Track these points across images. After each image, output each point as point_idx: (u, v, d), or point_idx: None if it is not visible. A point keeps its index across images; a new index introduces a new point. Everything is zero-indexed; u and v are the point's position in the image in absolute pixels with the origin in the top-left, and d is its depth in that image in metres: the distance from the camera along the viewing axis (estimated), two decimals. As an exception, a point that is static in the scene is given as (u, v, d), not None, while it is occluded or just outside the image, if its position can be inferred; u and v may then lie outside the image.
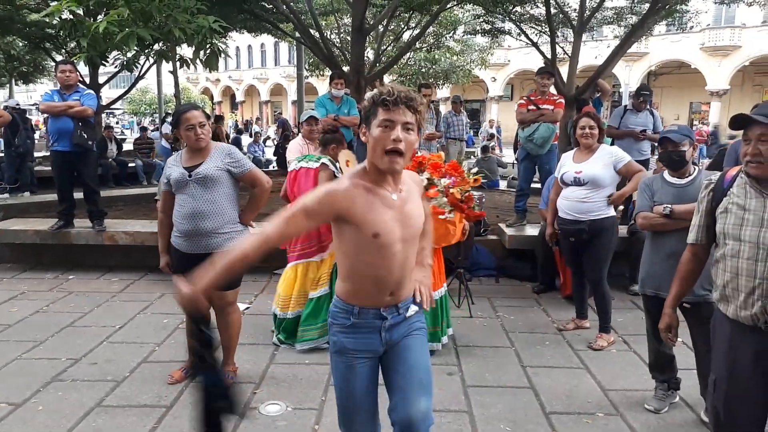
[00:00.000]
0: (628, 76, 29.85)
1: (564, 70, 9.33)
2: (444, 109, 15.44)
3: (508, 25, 11.94)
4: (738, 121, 2.11)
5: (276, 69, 44.91)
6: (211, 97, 48.22)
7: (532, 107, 6.28)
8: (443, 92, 29.22)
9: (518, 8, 10.38)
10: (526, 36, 10.90)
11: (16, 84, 22.96)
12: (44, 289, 5.64)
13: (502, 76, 36.56)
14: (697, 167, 3.34)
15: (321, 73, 18.45)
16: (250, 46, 45.73)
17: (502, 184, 11.38)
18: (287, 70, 40.95)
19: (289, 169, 4.55)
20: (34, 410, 3.36)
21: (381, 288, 2.05)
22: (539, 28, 11.06)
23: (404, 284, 2.08)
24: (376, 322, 2.06)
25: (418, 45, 15.86)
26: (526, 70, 32.24)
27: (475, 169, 4.37)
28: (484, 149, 13.34)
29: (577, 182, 4.27)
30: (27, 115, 11.01)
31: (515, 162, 8.72)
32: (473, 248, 5.87)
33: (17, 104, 10.86)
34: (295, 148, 5.11)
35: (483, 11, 11.29)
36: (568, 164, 4.38)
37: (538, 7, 10.57)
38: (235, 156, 3.44)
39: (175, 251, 3.48)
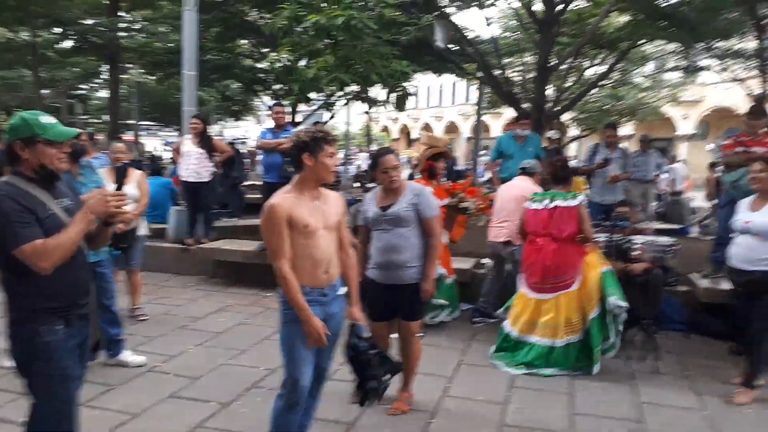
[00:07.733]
0: None
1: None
2: (628, 147, 14.52)
3: (707, 61, 11.06)
4: None
5: (452, 108, 45.90)
6: (389, 135, 50.57)
7: (740, 149, 5.73)
8: (625, 129, 27.52)
9: (721, 43, 9.59)
10: (730, 72, 10.02)
11: (226, 121, 26.21)
12: (246, 303, 6.33)
13: (695, 113, 33.54)
14: None
15: (497, 111, 18.49)
16: (429, 87, 47.37)
17: (694, 231, 10.38)
18: (462, 109, 41.68)
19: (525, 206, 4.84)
20: (237, 411, 3.79)
21: None
22: (746, 62, 10.09)
23: None
24: None
25: (602, 82, 15.29)
26: (725, 107, 29.25)
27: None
28: (675, 192, 12.29)
29: (746, 231, 4.00)
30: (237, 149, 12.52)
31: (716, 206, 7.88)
32: (662, 299, 5.45)
33: (232, 139, 12.38)
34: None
35: (677, 46, 10.59)
36: (741, 210, 4.12)
37: (743, 41, 9.68)
38: (423, 197, 3.66)
39: (372, 282, 3.74)
